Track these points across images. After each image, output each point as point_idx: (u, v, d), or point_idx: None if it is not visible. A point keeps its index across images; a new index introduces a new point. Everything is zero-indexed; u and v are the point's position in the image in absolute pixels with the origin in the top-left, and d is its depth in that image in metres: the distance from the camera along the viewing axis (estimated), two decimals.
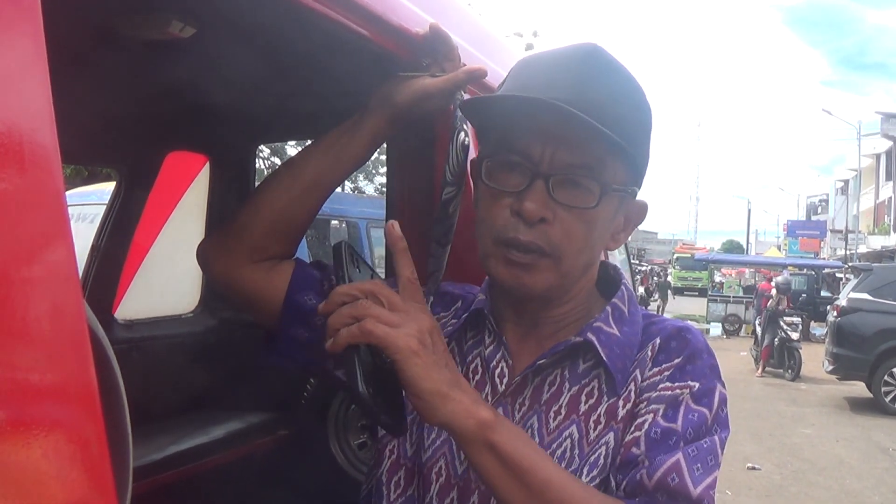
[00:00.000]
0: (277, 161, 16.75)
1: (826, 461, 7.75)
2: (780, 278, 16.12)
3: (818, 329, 18.56)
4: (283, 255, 1.15)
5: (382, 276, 1.32)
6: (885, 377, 10.52)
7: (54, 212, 0.61)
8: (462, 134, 1.14)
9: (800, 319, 14.96)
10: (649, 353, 1.00)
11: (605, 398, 0.97)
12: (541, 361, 0.99)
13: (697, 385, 0.95)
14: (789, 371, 13.32)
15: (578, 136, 0.92)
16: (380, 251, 7.57)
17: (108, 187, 3.80)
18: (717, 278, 27.23)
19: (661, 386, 0.96)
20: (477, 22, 1.85)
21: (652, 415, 0.94)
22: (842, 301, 11.55)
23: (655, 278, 27.35)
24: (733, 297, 22.62)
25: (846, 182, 44.29)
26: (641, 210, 1.06)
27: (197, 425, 2.67)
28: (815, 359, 13.33)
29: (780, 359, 13.57)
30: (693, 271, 31.37)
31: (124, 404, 1.02)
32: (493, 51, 1.71)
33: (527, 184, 0.94)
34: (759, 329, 14.79)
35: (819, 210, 54.32)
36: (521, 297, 1.02)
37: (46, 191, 0.61)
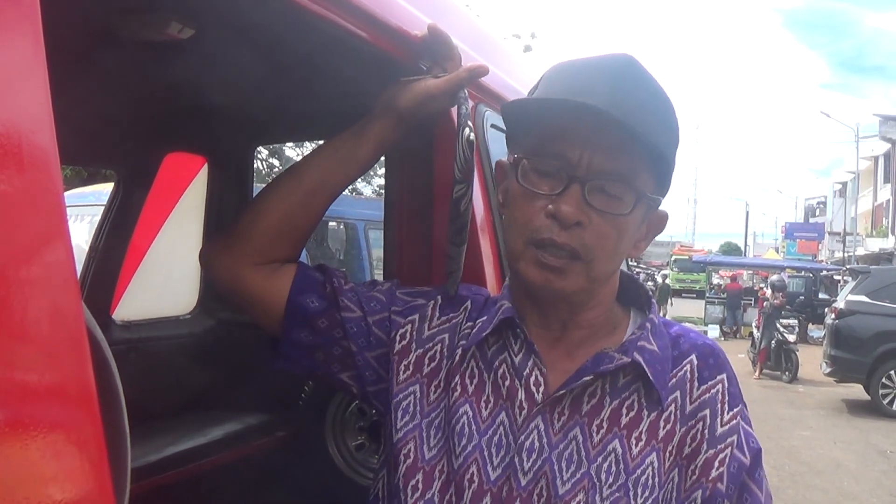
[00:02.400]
0: (276, 162, 16.73)
1: (824, 464, 7.76)
2: (774, 277, 16.16)
3: (816, 331, 18.58)
4: (287, 258, 1.15)
5: (381, 278, 1.32)
6: (883, 379, 10.53)
7: (53, 212, 0.61)
8: (467, 130, 1.14)
9: (797, 322, 14.98)
10: (689, 373, 1.02)
11: (646, 412, 1.00)
12: (586, 378, 0.99)
13: (740, 409, 1.02)
14: (786, 373, 13.33)
15: (615, 143, 0.95)
16: (378, 253, 7.56)
17: (106, 188, 3.81)
18: (715, 280, 27.23)
19: (728, 416, 1.00)
20: (475, 24, 1.86)
21: (730, 448, 0.99)
22: (840, 303, 11.55)
23: (650, 282, 27.23)
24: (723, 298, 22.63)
25: (844, 184, 44.27)
26: (662, 220, 1.09)
27: (195, 426, 2.67)
28: (812, 361, 13.34)
29: (777, 361, 13.58)
30: (691, 273, 31.34)
31: (122, 405, 1.02)
32: (491, 52, 1.71)
33: (563, 187, 0.96)
34: (755, 332, 14.80)
35: (817, 212, 54.31)
36: (549, 300, 1.03)
37: (45, 191, 0.61)
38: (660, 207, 1.06)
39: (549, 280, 0.98)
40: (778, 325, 13.61)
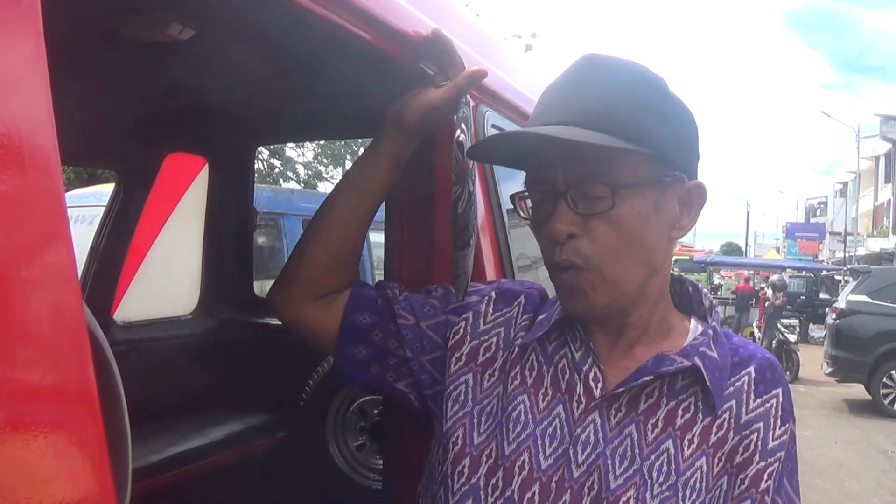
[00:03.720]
0: (276, 163, 16.72)
1: (825, 463, 7.76)
2: (775, 277, 16.15)
3: (817, 331, 18.59)
4: (343, 286, 1.20)
5: (382, 279, 1.32)
6: (884, 379, 10.53)
7: (54, 213, 0.61)
8: (458, 131, 1.16)
9: (797, 321, 14.97)
10: (746, 385, 1.03)
11: (701, 416, 1.01)
12: (646, 378, 1.00)
13: (790, 426, 1.03)
14: (788, 373, 13.32)
15: (576, 150, 0.95)
16: (378, 253, 7.56)
17: (107, 189, 3.81)
18: (716, 280, 27.21)
19: (779, 431, 1.01)
20: (475, 23, 1.85)
21: (778, 463, 1.00)
22: (840, 303, 11.55)
23: None
24: (732, 299, 22.59)
25: (845, 184, 44.24)
26: (697, 191, 1.04)
27: (196, 427, 2.67)
28: (813, 361, 13.34)
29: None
30: (692, 273, 31.34)
31: (123, 405, 1.02)
32: (491, 53, 1.71)
33: (552, 206, 0.98)
34: (756, 332, 14.80)
35: (818, 212, 54.29)
36: (589, 318, 1.05)
37: (46, 192, 0.61)
38: (692, 180, 1.04)
39: (575, 303, 1.01)
40: (779, 325, 13.62)
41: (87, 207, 4.71)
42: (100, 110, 1.98)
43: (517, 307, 1.15)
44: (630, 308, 1.03)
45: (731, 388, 1.03)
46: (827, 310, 13.91)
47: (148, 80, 1.79)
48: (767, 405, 1.02)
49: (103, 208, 2.93)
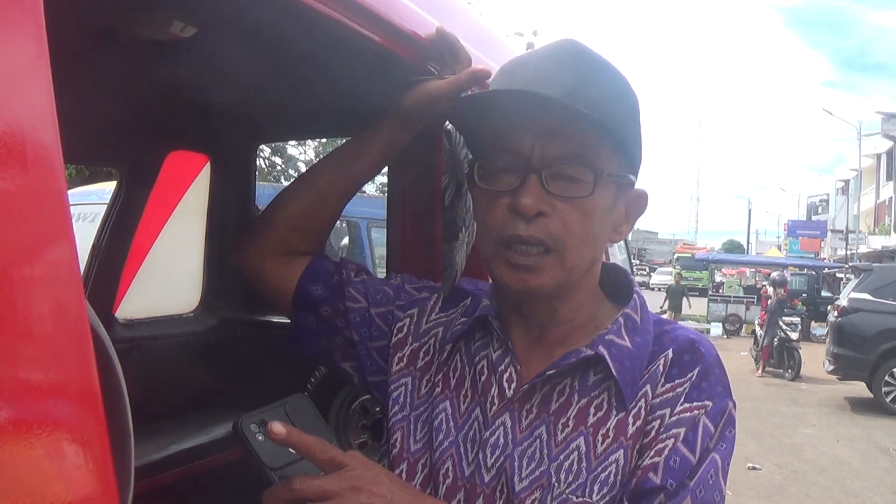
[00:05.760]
0: (278, 161, 16.73)
1: (826, 461, 7.76)
2: (775, 274, 16.18)
3: (818, 329, 18.57)
4: (307, 251, 1.20)
5: (381, 274, 1.32)
6: (886, 377, 10.52)
7: (56, 211, 0.62)
8: (447, 121, 1.17)
9: (799, 319, 14.98)
10: (661, 368, 0.97)
11: (615, 412, 0.96)
12: (550, 372, 0.97)
13: (711, 405, 0.95)
14: (789, 371, 13.33)
15: (565, 126, 0.92)
16: (380, 251, 7.57)
17: (108, 187, 3.81)
18: (718, 278, 27.18)
19: (680, 408, 0.94)
20: (477, 21, 1.85)
21: (672, 440, 0.92)
22: (842, 301, 11.55)
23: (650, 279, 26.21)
24: (734, 297, 22.54)
25: (847, 182, 44.22)
26: (641, 199, 1.04)
27: (198, 425, 2.67)
28: (815, 359, 13.34)
29: (779, 359, 13.58)
30: (694, 271, 31.33)
31: (126, 403, 1.02)
32: (493, 50, 1.71)
33: (520, 181, 0.94)
34: (758, 329, 14.81)
35: (819, 210, 54.27)
36: (529, 300, 1.01)
37: (48, 190, 0.61)
38: (636, 186, 1.03)
39: (525, 280, 0.96)
40: (781, 323, 13.62)
41: (88, 205, 4.71)
42: (102, 108, 1.98)
43: (461, 308, 1.13)
44: (567, 295, 1.00)
45: (647, 375, 0.97)
46: (829, 307, 13.91)
47: (150, 78, 1.79)
48: (679, 389, 0.95)
49: (105, 206, 2.93)
